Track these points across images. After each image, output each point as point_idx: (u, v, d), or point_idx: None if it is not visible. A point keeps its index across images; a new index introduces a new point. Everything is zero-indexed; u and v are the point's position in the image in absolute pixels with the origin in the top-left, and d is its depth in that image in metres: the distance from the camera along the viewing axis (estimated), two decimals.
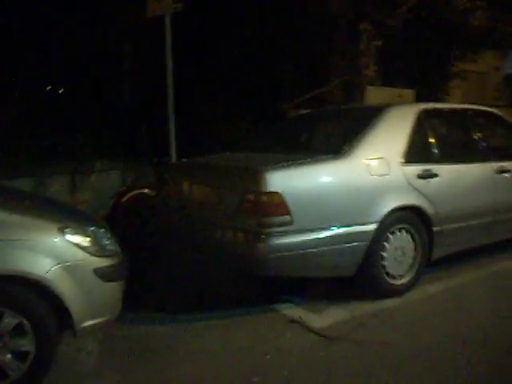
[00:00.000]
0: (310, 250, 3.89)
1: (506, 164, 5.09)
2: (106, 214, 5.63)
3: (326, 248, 3.94)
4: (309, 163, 4.02)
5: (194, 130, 7.26)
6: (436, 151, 4.63)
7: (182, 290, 4.51)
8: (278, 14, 7.65)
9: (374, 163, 4.19)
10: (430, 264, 4.66)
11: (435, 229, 4.49)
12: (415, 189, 4.35)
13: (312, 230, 3.89)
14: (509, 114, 15.19)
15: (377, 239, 4.14)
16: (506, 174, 5.07)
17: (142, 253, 4.96)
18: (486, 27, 9.63)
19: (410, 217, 4.35)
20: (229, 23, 7.51)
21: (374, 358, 3.29)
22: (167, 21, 5.80)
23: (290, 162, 3.99)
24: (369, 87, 8.10)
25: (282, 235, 3.78)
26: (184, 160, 5.30)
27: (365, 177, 4.12)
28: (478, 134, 5.07)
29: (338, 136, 4.68)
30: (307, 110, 6.56)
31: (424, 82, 8.99)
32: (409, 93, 8.71)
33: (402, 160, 4.34)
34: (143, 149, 6.72)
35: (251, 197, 3.84)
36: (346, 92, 8.22)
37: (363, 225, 4.05)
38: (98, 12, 8.75)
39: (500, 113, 5.47)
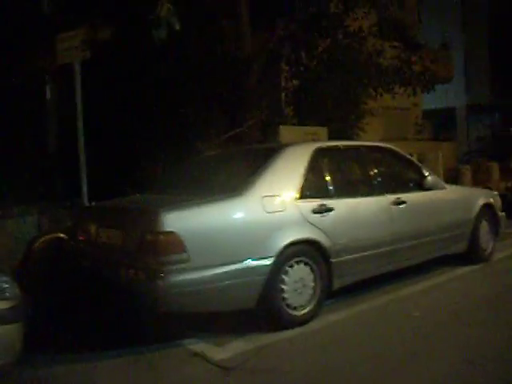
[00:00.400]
0: (208, 286, 4.09)
1: (402, 195, 5.47)
2: (20, 260, 5.67)
3: (223, 283, 4.14)
4: (204, 203, 4.26)
5: (109, 171, 7.43)
6: (331, 187, 4.96)
7: (89, 330, 4.60)
8: (189, 56, 7.98)
9: (269, 200, 4.47)
10: (334, 292, 4.93)
11: (333, 260, 4.78)
12: (311, 223, 4.64)
13: (209, 267, 4.10)
14: (430, 147, 16.09)
15: (275, 273, 4.37)
16: (402, 205, 5.43)
17: (53, 296, 5.03)
18: (396, 67, 10.27)
19: (306, 250, 4.62)
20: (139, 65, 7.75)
21: None
22: (76, 67, 6.01)
23: (186, 202, 4.22)
24: (282, 126, 8.50)
25: (179, 272, 3.97)
26: (93, 203, 5.44)
27: (259, 214, 4.38)
28: (374, 169, 5.46)
29: (236, 176, 4.95)
30: (218, 151, 6.84)
31: (338, 120, 9.48)
32: (322, 130, 9.15)
33: (297, 196, 4.63)
34: (59, 191, 6.83)
35: (149, 236, 4.03)
36: (263, 132, 8.57)
37: (259, 260, 4.29)
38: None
39: (395, 148, 5.90)
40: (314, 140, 8.79)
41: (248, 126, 8.64)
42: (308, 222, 4.63)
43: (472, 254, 6.49)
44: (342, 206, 4.93)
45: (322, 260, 4.73)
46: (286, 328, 4.47)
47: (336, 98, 9.36)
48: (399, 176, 5.93)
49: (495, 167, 12.03)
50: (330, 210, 4.80)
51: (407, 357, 3.86)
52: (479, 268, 6.42)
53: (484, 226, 6.63)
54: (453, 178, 12.92)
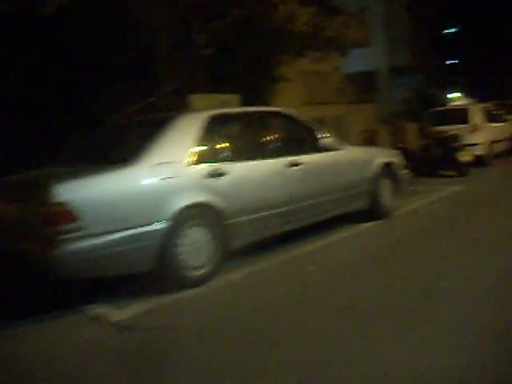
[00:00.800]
0: (105, 251, 4.30)
1: (297, 158, 5.78)
2: None
3: (120, 248, 4.36)
4: (97, 172, 4.43)
5: (22, 146, 7.44)
6: (225, 152, 5.22)
7: None
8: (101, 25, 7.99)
9: (161, 167, 4.68)
10: (238, 251, 5.25)
11: (229, 222, 5.05)
12: (204, 187, 4.89)
13: (105, 233, 4.30)
14: (349, 110, 16.58)
15: (170, 236, 4.61)
16: (298, 167, 5.75)
17: None
18: (308, 33, 10.56)
19: (201, 213, 4.88)
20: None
21: (158, 343, 3.72)
22: None
23: (79, 173, 4.39)
24: (192, 95, 8.65)
25: (75, 240, 4.15)
26: None
27: (151, 181, 4.60)
28: (269, 134, 5.76)
29: (133, 145, 5.11)
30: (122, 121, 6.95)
31: (251, 87, 9.72)
32: (234, 98, 9.36)
33: (190, 162, 4.86)
34: None
35: (42, 208, 4.17)
36: (177, 100, 8.72)
37: (153, 224, 4.52)
38: None
39: (293, 112, 6.20)
40: (226, 104, 9.03)
41: (159, 96, 8.76)
42: (201, 186, 4.88)
43: (373, 211, 6.92)
44: (236, 169, 5.20)
45: (217, 222, 4.99)
46: (185, 288, 4.72)
47: (247, 64, 9.56)
48: (295, 139, 6.24)
49: (411, 127, 12.59)
50: (223, 174, 5.05)
51: (296, 309, 4.14)
52: (380, 223, 6.89)
53: (384, 184, 7.06)
54: (370, 138, 13.51)
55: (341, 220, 6.75)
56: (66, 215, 4.13)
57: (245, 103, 9.41)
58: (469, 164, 10.87)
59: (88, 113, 8.01)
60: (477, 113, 12.38)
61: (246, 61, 9.70)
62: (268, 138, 5.76)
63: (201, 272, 4.89)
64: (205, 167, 4.97)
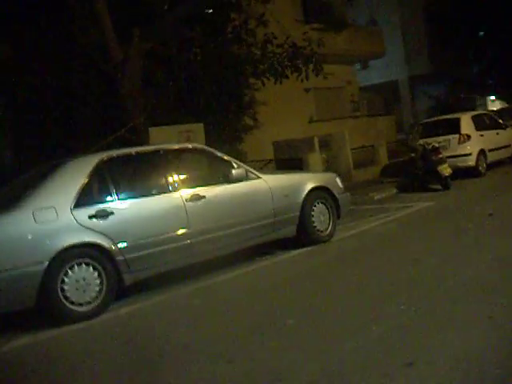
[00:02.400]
0: None
1: (200, 191, 6.08)
2: None
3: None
4: None
5: None
6: (114, 192, 5.61)
7: None
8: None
9: (43, 212, 5.13)
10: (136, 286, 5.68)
11: (119, 258, 5.42)
12: (88, 228, 5.31)
13: None
14: (365, 123, 16.59)
15: (52, 275, 5.04)
16: (201, 200, 6.03)
17: None
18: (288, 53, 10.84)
19: (86, 252, 5.30)
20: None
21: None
22: None
23: None
24: (151, 128, 9.10)
25: None
26: None
27: (30, 225, 5.06)
28: (169, 170, 6.07)
29: (25, 189, 5.57)
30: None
31: (217, 114, 10.09)
32: (198, 127, 9.74)
33: (73, 205, 5.28)
34: None
35: None
36: (138, 135, 9.21)
37: (32, 266, 4.96)
38: None
39: (203, 146, 6.53)
40: (188, 134, 9.43)
41: (127, 129, 9.29)
42: (84, 227, 5.29)
43: (304, 237, 7.06)
44: (125, 208, 5.59)
45: (106, 259, 5.37)
46: (69, 323, 5.11)
47: (211, 92, 9.95)
48: (202, 173, 6.52)
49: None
50: (110, 213, 5.43)
51: (154, 346, 4.37)
52: (309, 250, 7.00)
53: (318, 210, 7.17)
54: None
55: (272, 246, 6.95)
56: None
57: (210, 132, 9.81)
58: (450, 177, 10.67)
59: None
60: (467, 122, 12.12)
61: (208, 89, 10.09)
62: (167, 174, 6.06)
63: (88, 308, 5.26)
64: (89, 209, 5.36)
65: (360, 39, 17.86)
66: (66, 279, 5.19)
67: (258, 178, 6.73)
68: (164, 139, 9.34)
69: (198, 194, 6.09)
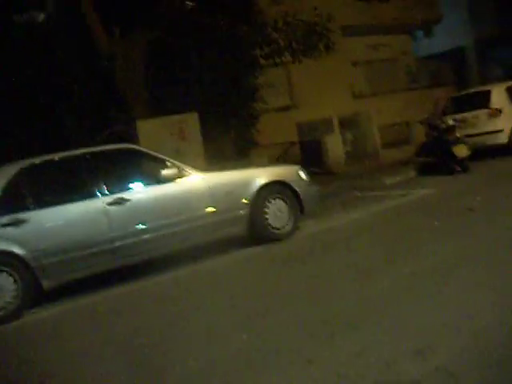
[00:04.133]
0: None
1: (126, 194, 6.11)
2: None
3: None
4: None
5: None
6: (30, 200, 5.83)
7: None
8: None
9: None
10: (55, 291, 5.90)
11: (35, 264, 5.64)
12: (1, 236, 5.52)
13: None
14: (420, 96, 15.59)
15: None
16: (124, 204, 6.07)
17: None
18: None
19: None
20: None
21: None
22: None
23: None
24: (139, 121, 9.16)
25: None
26: None
27: None
28: (93, 174, 6.19)
29: None
30: None
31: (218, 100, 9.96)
32: (191, 117, 9.66)
33: None
34: None
35: None
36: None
37: None
38: None
39: (135, 147, 6.52)
40: (182, 126, 9.45)
41: (122, 124, 9.50)
42: None
43: (257, 236, 6.85)
44: (41, 216, 5.77)
45: (20, 266, 5.62)
46: None
47: (212, 78, 9.84)
48: (130, 175, 6.49)
49: None
50: (23, 222, 5.63)
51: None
52: (259, 250, 6.78)
53: (275, 205, 6.93)
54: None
55: (227, 244, 6.92)
56: None
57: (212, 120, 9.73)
58: (467, 158, 9.74)
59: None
60: (499, 94, 10.86)
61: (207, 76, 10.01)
62: (90, 178, 6.15)
63: (5, 311, 5.53)
64: (3, 218, 5.58)
65: (410, 6, 16.64)
66: None
67: (196, 175, 6.58)
68: (154, 132, 9.45)
69: (122, 198, 6.12)
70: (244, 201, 6.78)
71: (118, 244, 6.07)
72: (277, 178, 7.07)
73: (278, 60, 11.09)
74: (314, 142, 11.70)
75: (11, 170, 5.96)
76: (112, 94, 9.78)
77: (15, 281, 5.64)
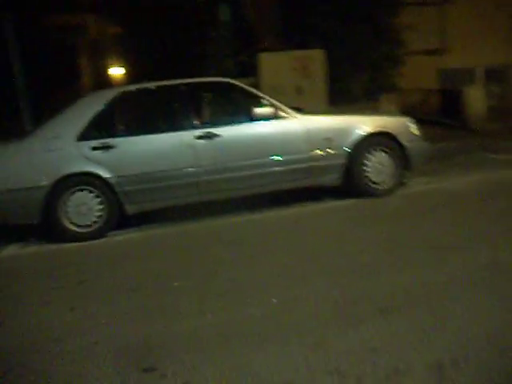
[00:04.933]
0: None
1: (215, 129, 5.98)
2: None
3: (11, 203, 5.67)
4: (3, 144, 5.83)
5: None
6: (121, 127, 5.93)
7: None
8: None
9: (51, 141, 5.74)
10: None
11: (118, 189, 5.81)
12: (89, 159, 5.77)
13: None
14: None
15: (54, 197, 5.71)
16: (214, 139, 5.94)
17: None
18: None
19: (87, 180, 5.82)
20: None
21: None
22: None
23: None
24: (261, 54, 8.88)
25: None
26: None
27: (40, 152, 5.72)
28: (185, 106, 6.08)
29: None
30: None
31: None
32: (317, 53, 9.16)
33: (78, 137, 5.77)
34: None
35: None
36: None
37: (37, 188, 5.65)
38: None
39: (231, 80, 6.27)
40: (306, 62, 9.12)
41: (249, 54, 9.36)
42: (86, 157, 5.78)
43: (352, 188, 6.45)
44: (128, 143, 5.89)
45: (106, 189, 5.80)
46: (68, 241, 5.77)
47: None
48: (222, 109, 6.29)
49: None
50: (112, 147, 5.77)
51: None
52: (354, 203, 6.36)
53: (377, 158, 6.44)
54: None
55: (320, 193, 6.65)
56: None
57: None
58: None
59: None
60: None
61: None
62: (184, 110, 6.08)
63: (87, 230, 5.87)
64: (92, 141, 5.76)
65: None
66: (69, 203, 5.76)
67: (293, 118, 6.21)
68: (276, 66, 9.15)
69: (211, 132, 5.97)
70: (343, 149, 6.31)
71: (202, 179, 6.00)
72: (382, 129, 6.46)
73: None
74: (455, 91, 10.55)
75: (108, 95, 6.06)
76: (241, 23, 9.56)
77: (101, 202, 5.84)
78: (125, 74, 17.41)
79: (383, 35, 9.97)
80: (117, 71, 17.57)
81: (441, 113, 10.75)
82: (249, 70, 9.44)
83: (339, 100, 9.56)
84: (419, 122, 6.81)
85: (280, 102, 6.32)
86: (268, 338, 3.06)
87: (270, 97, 6.33)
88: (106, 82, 16.76)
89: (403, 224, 5.28)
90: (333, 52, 9.50)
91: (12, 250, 5.85)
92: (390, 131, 6.48)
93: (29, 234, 6.15)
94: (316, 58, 9.29)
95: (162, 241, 5.68)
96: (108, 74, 17.61)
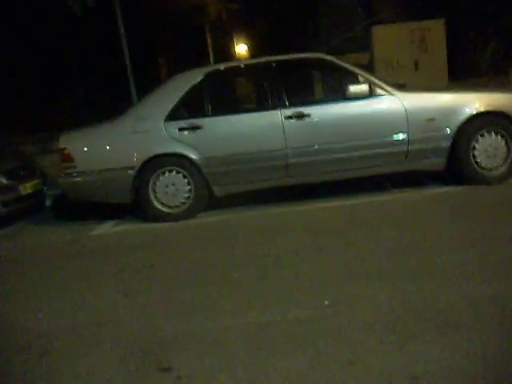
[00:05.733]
0: (92, 184, 5.90)
1: (306, 109, 5.64)
2: None
3: (102, 183, 5.88)
4: (91, 127, 6.03)
5: None
6: (209, 107, 5.82)
7: None
8: None
9: (140, 122, 5.82)
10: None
11: (205, 170, 5.73)
12: (177, 139, 5.77)
13: (91, 172, 5.86)
14: None
15: (143, 178, 5.78)
16: (304, 119, 5.62)
17: None
18: None
19: (175, 161, 5.81)
20: None
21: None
22: None
23: (80, 128, 6.04)
24: (375, 27, 8.29)
25: (71, 175, 5.90)
26: None
27: (130, 133, 5.81)
28: (272, 85, 5.79)
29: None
30: None
31: None
32: (436, 24, 8.36)
33: (166, 118, 5.78)
34: None
35: (57, 152, 6.04)
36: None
37: (126, 168, 5.77)
38: None
39: (324, 56, 5.84)
40: (424, 34, 8.49)
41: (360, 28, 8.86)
42: (174, 138, 5.78)
43: (459, 174, 5.82)
44: (216, 123, 5.77)
45: (193, 170, 5.76)
46: (159, 221, 5.84)
47: None
48: (314, 87, 5.88)
49: None
50: (198, 127, 5.69)
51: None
52: (460, 190, 5.70)
53: (489, 141, 5.72)
54: None
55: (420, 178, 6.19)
56: (66, 157, 5.86)
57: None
58: None
59: None
60: None
61: None
62: (272, 89, 5.79)
63: (177, 210, 5.93)
64: (181, 122, 5.72)
65: None
66: (157, 183, 5.81)
67: (391, 95, 5.65)
68: (391, 40, 8.49)
69: (301, 112, 5.64)
70: (448, 131, 5.64)
71: (291, 161, 5.71)
72: (495, 109, 5.67)
73: None
74: None
75: (197, 74, 5.95)
76: None
77: (189, 183, 5.79)
78: (247, 50, 17.49)
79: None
80: (241, 48, 17.73)
81: None
82: (363, 45, 8.86)
83: (463, 75, 8.64)
84: None
85: (380, 79, 5.82)
86: (299, 346, 2.75)
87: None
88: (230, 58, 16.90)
89: (506, 220, 4.57)
90: (457, 22, 8.59)
91: (105, 227, 6.04)
92: (505, 110, 5.66)
93: (126, 213, 6.33)
94: (436, 28, 8.45)
95: (243, 224, 5.52)
96: (232, 51, 17.81)
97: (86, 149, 5.93)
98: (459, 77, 8.68)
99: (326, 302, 3.24)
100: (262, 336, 2.92)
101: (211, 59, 17.07)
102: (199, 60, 15.17)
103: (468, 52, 9.06)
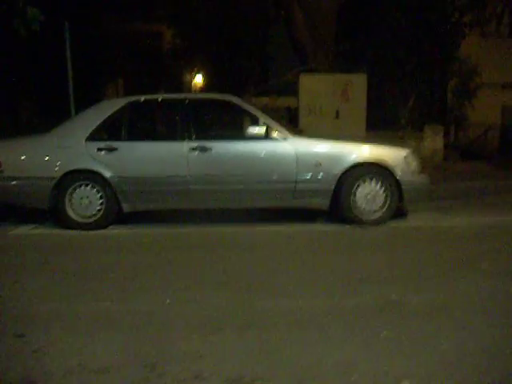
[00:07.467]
0: (14, 189, 6.54)
1: (209, 143, 6.39)
2: None
3: (21, 188, 6.51)
4: (22, 138, 6.66)
5: None
6: (124, 132, 6.55)
7: None
8: None
9: (63, 138, 6.52)
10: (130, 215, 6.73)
11: (116, 189, 6.44)
12: (93, 157, 6.47)
13: (14, 178, 6.49)
14: None
15: (61, 189, 6.46)
16: (205, 152, 6.35)
17: None
18: None
19: (90, 177, 6.50)
20: None
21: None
22: None
23: (13, 139, 6.71)
24: (303, 75, 9.08)
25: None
26: None
27: (53, 147, 6.50)
28: (182, 119, 6.56)
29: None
30: None
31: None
32: (359, 78, 9.18)
33: (86, 137, 6.48)
34: None
35: None
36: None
37: (47, 179, 6.45)
38: None
39: (233, 99, 6.59)
40: (347, 86, 9.25)
41: (293, 74, 9.65)
42: (91, 156, 6.52)
43: (339, 214, 6.54)
44: (129, 147, 6.49)
45: (106, 186, 6.47)
46: (72, 228, 6.47)
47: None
48: (218, 125, 6.60)
49: None
50: (114, 149, 6.38)
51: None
52: (336, 230, 6.48)
53: (370, 187, 6.47)
54: None
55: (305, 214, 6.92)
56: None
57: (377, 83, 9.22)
58: None
59: None
60: None
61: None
62: (181, 123, 6.55)
63: (89, 221, 6.58)
64: (99, 142, 6.41)
65: None
66: (74, 195, 6.45)
67: (286, 139, 6.41)
68: (317, 88, 9.29)
69: (204, 146, 6.37)
70: (333, 175, 6.40)
71: (191, 187, 6.43)
72: (376, 159, 6.47)
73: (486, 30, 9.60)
74: None
75: (120, 102, 6.74)
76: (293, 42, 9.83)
77: (101, 197, 6.45)
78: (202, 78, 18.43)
79: (443, 63, 9.71)
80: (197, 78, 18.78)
81: (499, 149, 10.25)
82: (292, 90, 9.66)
83: (383, 127, 9.47)
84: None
85: (279, 124, 6.59)
86: None
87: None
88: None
89: (364, 256, 5.32)
90: (383, 78, 9.45)
91: (21, 230, 6.66)
92: (385, 162, 6.44)
93: (43, 219, 6.96)
94: (358, 82, 9.30)
95: (147, 239, 6.21)
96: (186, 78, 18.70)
97: (14, 157, 6.61)
98: (379, 128, 9.52)
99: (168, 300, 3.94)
100: None
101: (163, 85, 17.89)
102: (154, 85, 15.92)
103: (391, 106, 9.93)
